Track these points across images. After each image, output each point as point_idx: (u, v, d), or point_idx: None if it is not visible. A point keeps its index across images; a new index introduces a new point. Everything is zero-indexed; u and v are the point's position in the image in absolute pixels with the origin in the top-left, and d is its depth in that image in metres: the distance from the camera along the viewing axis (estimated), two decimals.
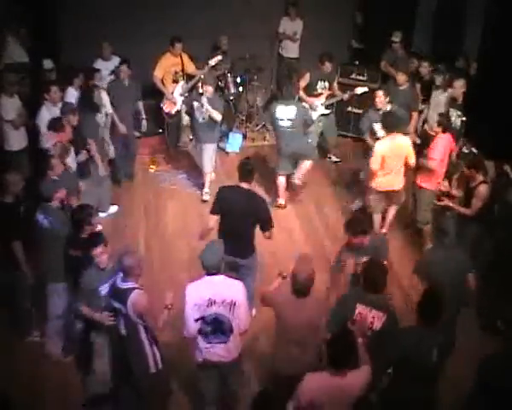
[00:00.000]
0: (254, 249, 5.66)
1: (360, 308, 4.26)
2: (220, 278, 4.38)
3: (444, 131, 6.62)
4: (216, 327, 4.37)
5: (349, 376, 3.79)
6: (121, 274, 4.42)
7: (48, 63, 8.02)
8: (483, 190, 5.90)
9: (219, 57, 8.62)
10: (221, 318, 4.34)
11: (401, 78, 7.71)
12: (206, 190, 7.93)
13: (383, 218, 7.04)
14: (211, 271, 4.35)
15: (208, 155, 7.79)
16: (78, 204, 5.40)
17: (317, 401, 3.79)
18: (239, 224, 5.38)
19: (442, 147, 6.62)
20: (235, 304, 4.32)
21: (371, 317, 4.23)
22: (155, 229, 7.39)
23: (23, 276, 5.45)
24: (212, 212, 5.54)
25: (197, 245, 6.88)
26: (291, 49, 10.18)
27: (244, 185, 5.46)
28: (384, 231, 6.96)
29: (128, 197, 7.96)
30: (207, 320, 4.36)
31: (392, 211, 7.04)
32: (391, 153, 6.55)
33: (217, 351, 4.45)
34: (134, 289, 4.35)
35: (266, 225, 5.49)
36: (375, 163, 6.57)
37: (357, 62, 9.72)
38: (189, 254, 6.63)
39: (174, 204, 7.93)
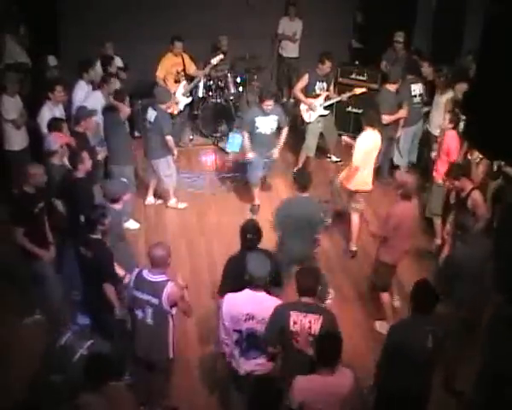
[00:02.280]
0: None
1: (294, 316, 4.13)
2: (262, 294, 4.27)
3: (454, 128, 6.74)
4: (251, 342, 4.30)
5: (337, 375, 3.86)
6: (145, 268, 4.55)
7: (52, 60, 8.02)
8: (477, 196, 5.75)
9: (221, 56, 8.65)
10: (258, 334, 4.24)
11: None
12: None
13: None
14: (259, 284, 4.23)
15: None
16: (92, 204, 5.39)
17: (308, 401, 3.84)
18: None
19: (457, 146, 6.74)
20: None
21: (308, 322, 4.13)
22: (155, 229, 7.39)
23: (42, 263, 5.50)
24: (221, 293, 4.74)
25: (197, 244, 6.99)
26: (291, 50, 10.19)
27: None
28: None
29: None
30: (244, 335, 4.29)
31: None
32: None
33: (249, 364, 4.37)
34: (168, 281, 4.46)
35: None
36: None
37: (357, 62, 9.72)
38: (188, 253, 6.64)
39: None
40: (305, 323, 4.12)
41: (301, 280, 4.26)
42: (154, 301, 4.45)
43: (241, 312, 4.23)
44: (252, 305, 4.23)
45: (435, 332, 4.19)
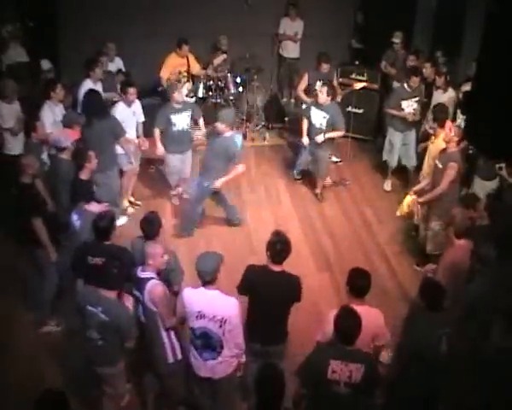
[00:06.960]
0: (287, 334, 4.89)
1: (334, 365, 3.87)
2: (214, 292, 4.29)
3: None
4: (204, 342, 4.33)
5: (366, 307, 4.23)
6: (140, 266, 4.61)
7: (46, 63, 7.91)
8: None
9: (224, 56, 8.66)
10: (210, 333, 4.27)
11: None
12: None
13: None
14: (206, 279, 4.26)
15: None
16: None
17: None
18: (272, 310, 4.66)
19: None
20: (225, 321, 4.22)
21: (348, 371, 3.87)
22: None
23: (46, 254, 5.55)
24: (240, 292, 4.75)
25: (197, 245, 6.98)
26: (292, 50, 10.18)
27: (275, 268, 4.61)
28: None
29: None
30: (196, 333, 4.33)
31: None
32: None
33: (206, 366, 4.41)
34: (151, 278, 4.49)
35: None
36: None
37: (357, 62, 9.73)
38: (188, 253, 6.62)
39: (174, 204, 7.93)
40: (345, 371, 3.89)
41: (343, 326, 3.95)
42: (141, 297, 4.51)
43: (194, 309, 4.28)
44: (202, 303, 4.26)
45: (449, 335, 4.19)
